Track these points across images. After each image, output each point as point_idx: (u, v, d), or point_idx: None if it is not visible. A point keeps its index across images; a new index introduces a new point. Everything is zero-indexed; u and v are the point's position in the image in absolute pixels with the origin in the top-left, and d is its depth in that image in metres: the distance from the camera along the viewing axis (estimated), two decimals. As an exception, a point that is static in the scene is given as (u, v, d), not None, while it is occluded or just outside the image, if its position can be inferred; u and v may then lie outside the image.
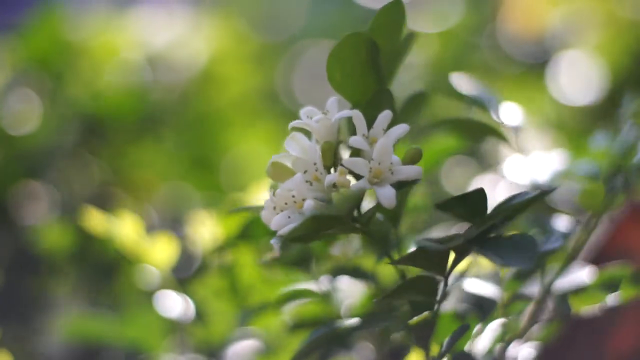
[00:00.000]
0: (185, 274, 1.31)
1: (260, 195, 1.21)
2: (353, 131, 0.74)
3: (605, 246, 1.01)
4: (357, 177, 0.73)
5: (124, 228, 1.09)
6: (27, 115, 1.97)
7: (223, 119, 2.27)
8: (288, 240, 0.70)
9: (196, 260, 1.31)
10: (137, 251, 1.11)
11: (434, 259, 0.73)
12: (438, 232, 1.34)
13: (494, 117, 0.92)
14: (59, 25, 2.09)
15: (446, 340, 0.76)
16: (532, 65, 2.24)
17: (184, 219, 1.87)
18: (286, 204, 0.73)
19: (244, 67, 2.38)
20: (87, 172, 2.03)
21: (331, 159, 0.74)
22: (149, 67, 2.18)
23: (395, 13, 0.75)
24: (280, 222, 0.72)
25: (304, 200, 0.72)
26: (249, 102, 2.39)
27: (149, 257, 1.11)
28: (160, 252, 1.11)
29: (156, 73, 2.20)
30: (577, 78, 2.05)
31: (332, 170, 0.74)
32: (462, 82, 0.91)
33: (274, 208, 0.73)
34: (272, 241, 0.72)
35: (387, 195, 0.70)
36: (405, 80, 2.05)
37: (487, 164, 1.45)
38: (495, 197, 1.32)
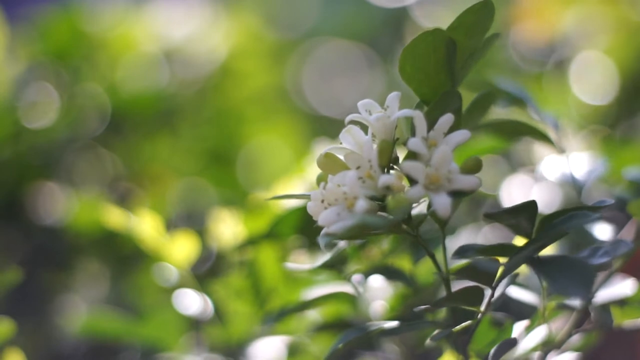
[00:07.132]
0: (204, 270, 1.28)
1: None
2: (410, 128, 0.70)
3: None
4: (412, 179, 0.69)
5: (143, 226, 1.07)
6: (44, 108, 1.94)
7: (240, 115, 2.24)
8: (334, 238, 0.67)
9: (216, 257, 1.28)
10: (156, 249, 1.08)
11: (483, 273, 0.70)
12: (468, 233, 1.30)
13: (535, 116, 0.89)
14: (76, 17, 2.07)
15: (492, 353, 0.73)
16: (546, 66, 2.21)
17: (200, 214, 1.85)
18: (336, 200, 0.68)
19: (261, 63, 2.35)
20: (103, 167, 2.00)
21: (388, 159, 0.70)
22: (167, 61, 2.16)
23: (482, 13, 0.71)
24: (329, 219, 0.68)
25: (354, 198, 0.68)
26: (265, 97, 2.36)
27: (168, 255, 1.08)
28: (179, 250, 1.08)
29: (174, 67, 2.17)
30: (589, 80, 2.02)
31: (386, 169, 0.70)
32: (502, 82, 0.88)
33: (322, 201, 0.69)
34: (319, 239, 0.68)
35: (443, 203, 0.66)
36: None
37: (517, 163, 1.42)
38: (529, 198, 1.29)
